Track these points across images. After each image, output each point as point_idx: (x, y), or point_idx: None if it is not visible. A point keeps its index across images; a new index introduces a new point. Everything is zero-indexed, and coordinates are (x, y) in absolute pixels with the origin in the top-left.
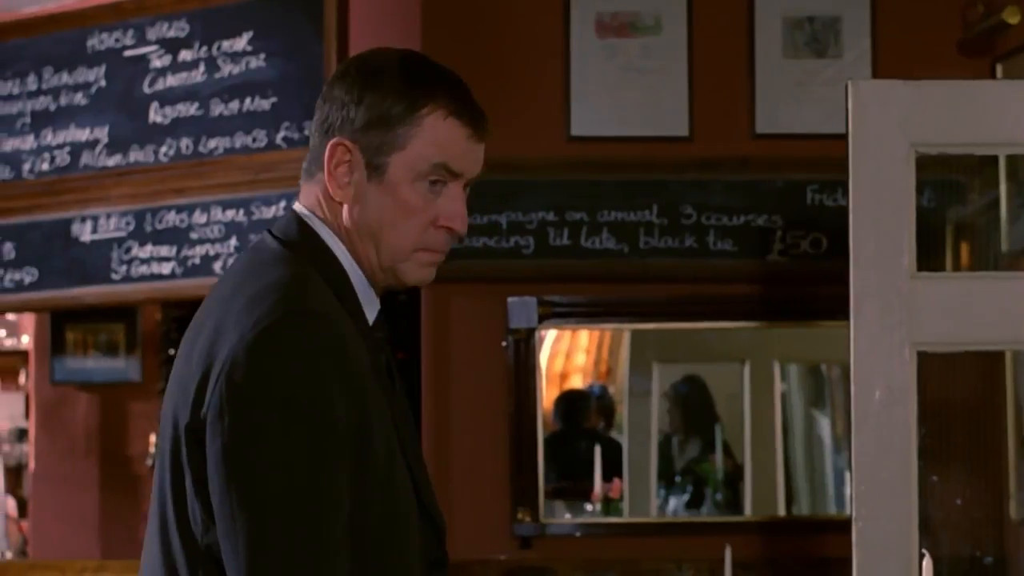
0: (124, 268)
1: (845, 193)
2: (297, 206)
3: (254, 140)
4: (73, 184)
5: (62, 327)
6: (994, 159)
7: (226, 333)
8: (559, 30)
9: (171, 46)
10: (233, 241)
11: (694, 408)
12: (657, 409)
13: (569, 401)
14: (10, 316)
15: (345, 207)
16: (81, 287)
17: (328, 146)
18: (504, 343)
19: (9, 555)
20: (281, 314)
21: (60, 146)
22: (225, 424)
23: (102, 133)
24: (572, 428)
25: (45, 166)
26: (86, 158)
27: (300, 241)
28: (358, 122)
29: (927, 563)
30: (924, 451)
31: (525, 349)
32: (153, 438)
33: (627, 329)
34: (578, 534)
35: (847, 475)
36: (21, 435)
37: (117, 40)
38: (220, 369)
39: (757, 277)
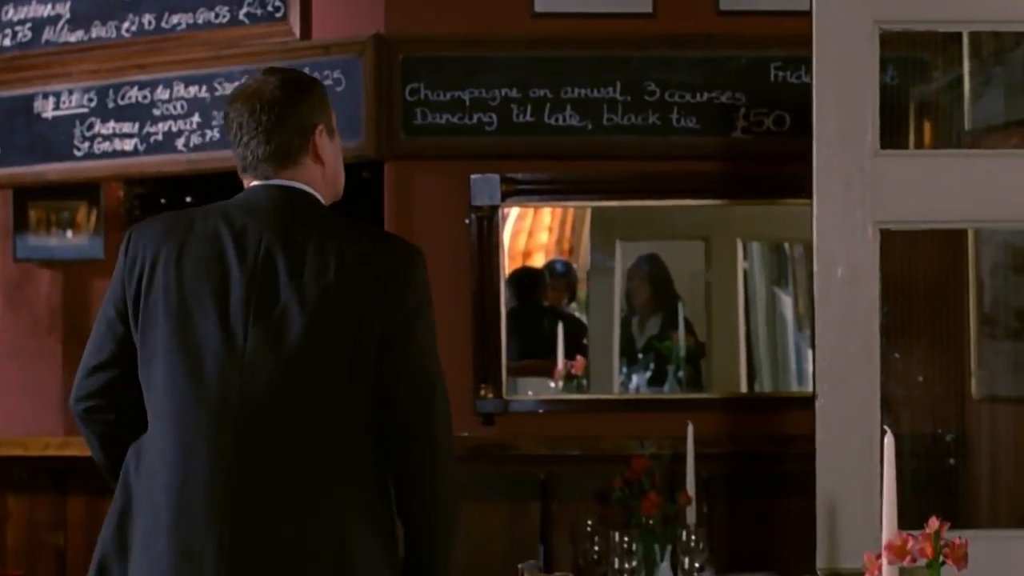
0: (87, 145)
1: (809, 70)
2: (284, 182)
3: (216, 16)
4: (35, 60)
5: (24, 204)
6: (958, 36)
7: (381, 261)
8: None
9: None
10: (196, 117)
11: (656, 285)
12: (620, 286)
13: (522, 278)
14: None
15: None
16: (44, 164)
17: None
18: (467, 220)
19: None
20: (414, 247)
21: (22, 22)
22: (420, 315)
23: (64, 8)
24: (526, 305)
25: (7, 42)
26: (48, 34)
27: (319, 201)
28: (324, 110)
29: (888, 439)
30: (886, 329)
31: (488, 227)
32: None
33: (590, 206)
34: (541, 411)
35: (809, 353)
36: None
37: None
38: (403, 286)
39: (720, 154)
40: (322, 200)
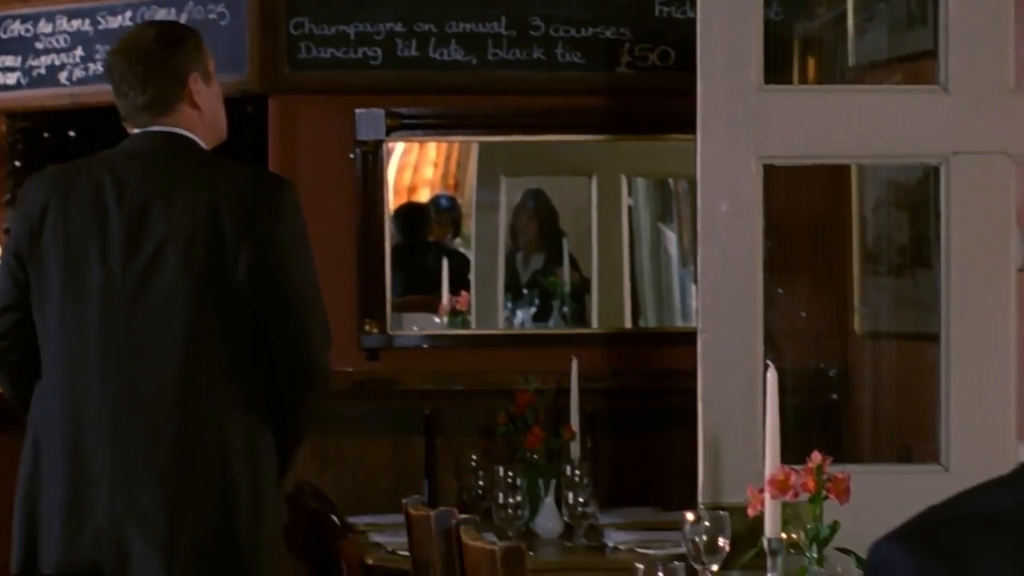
0: None
1: (693, 5)
2: (162, 128)
3: None
4: None
5: None
6: None
7: (246, 191)
8: None
9: None
10: (79, 51)
11: (542, 221)
12: (504, 222)
13: (407, 214)
14: None
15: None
16: None
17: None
18: (351, 155)
19: None
20: (285, 179)
21: None
22: (288, 241)
23: None
24: (412, 241)
25: None
26: None
27: (197, 144)
28: (199, 59)
29: (771, 374)
30: (770, 264)
31: (373, 161)
32: None
33: (475, 141)
34: (425, 346)
35: (694, 288)
36: None
37: None
38: (274, 215)
39: (605, 89)
40: (202, 143)
